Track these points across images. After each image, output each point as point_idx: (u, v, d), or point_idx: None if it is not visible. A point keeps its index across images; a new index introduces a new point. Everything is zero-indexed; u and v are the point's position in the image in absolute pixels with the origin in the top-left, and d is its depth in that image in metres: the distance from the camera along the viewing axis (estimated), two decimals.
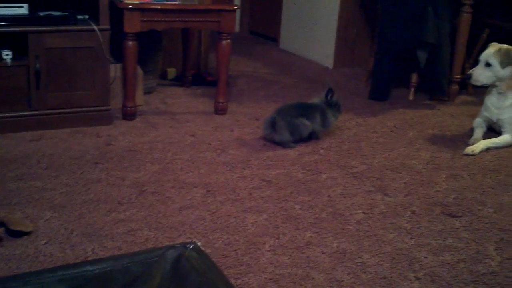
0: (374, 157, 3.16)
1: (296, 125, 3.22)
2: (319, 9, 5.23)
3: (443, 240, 2.35)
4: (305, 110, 3.30)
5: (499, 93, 3.46)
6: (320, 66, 5.18)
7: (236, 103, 3.94)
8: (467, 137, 3.51)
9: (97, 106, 3.36)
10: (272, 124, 3.19)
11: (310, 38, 5.39)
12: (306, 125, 3.25)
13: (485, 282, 2.08)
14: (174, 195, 2.59)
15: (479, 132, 3.50)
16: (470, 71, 3.52)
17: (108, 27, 3.27)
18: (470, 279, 2.10)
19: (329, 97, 3.34)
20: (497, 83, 3.43)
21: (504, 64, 3.36)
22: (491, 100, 3.51)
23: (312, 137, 3.34)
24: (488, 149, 3.33)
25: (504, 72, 3.38)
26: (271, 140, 3.25)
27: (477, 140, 3.38)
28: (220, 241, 2.25)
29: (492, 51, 3.41)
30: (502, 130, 3.46)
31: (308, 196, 2.67)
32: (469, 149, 3.27)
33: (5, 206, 2.41)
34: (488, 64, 3.41)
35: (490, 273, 2.14)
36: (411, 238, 2.35)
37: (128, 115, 3.50)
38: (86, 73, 3.29)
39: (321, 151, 3.21)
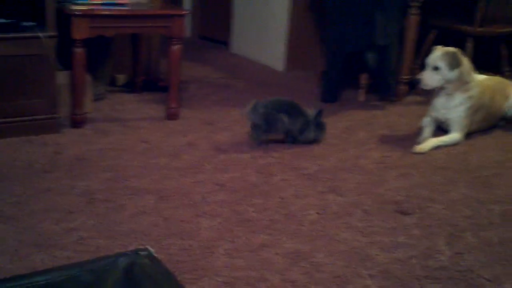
0: (325, 158, 3.19)
1: (274, 118, 3.25)
2: (269, 13, 5.26)
3: (395, 238, 2.38)
4: (291, 109, 3.32)
5: (447, 95, 3.53)
6: (271, 69, 5.21)
7: (188, 108, 3.92)
8: (416, 136, 3.58)
9: (45, 114, 3.29)
10: (254, 108, 3.23)
11: (261, 42, 5.41)
12: (284, 122, 3.27)
13: (437, 277, 2.12)
14: (126, 202, 2.56)
15: (428, 131, 3.57)
16: (419, 76, 3.56)
17: (55, 34, 3.21)
18: (422, 274, 2.13)
19: (317, 116, 3.37)
20: (446, 85, 3.50)
21: (451, 66, 3.42)
22: (439, 101, 3.58)
23: (288, 139, 3.37)
24: (437, 147, 3.40)
25: (452, 74, 3.44)
26: (250, 122, 3.32)
27: (426, 139, 3.45)
28: (175, 247, 2.23)
29: (438, 54, 3.47)
30: (450, 129, 3.53)
31: (261, 198, 2.67)
32: (419, 148, 3.33)
33: None
34: (436, 68, 3.46)
35: (441, 268, 2.18)
36: (363, 237, 2.38)
37: (78, 122, 3.44)
38: (33, 81, 3.22)
39: (274, 153, 3.22)
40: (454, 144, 3.47)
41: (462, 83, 3.48)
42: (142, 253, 1.85)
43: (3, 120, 3.19)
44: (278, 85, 4.69)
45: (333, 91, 4.28)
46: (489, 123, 3.71)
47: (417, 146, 3.36)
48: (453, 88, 3.49)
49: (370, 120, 3.89)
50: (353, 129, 3.69)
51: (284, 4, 5.07)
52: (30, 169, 2.84)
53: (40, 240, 2.22)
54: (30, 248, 2.15)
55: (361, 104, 4.24)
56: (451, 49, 3.48)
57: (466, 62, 3.50)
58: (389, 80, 4.20)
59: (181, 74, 3.82)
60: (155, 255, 1.89)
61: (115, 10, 3.35)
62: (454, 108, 3.52)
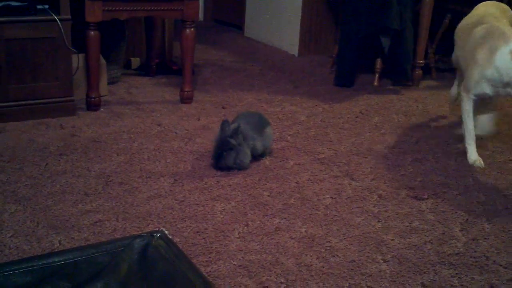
0: (340, 143, 3.18)
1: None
2: None
3: (410, 223, 2.38)
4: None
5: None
6: (285, 53, 5.19)
7: (202, 92, 3.92)
8: (431, 120, 3.56)
9: (60, 97, 3.31)
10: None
11: (274, 26, 5.39)
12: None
13: (451, 263, 2.11)
14: (141, 185, 2.57)
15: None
16: None
17: (69, 17, 3.22)
18: (437, 260, 2.13)
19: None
20: None
21: None
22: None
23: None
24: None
25: None
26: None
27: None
28: (189, 230, 2.24)
29: None
30: None
31: (276, 182, 2.67)
32: (477, 163, 2.97)
33: None
34: None
35: (456, 253, 2.18)
36: (378, 221, 2.38)
37: (93, 105, 3.45)
38: (48, 64, 3.23)
39: (288, 137, 3.22)
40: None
41: None
42: (157, 235, 1.86)
43: (20, 103, 3.21)
44: (292, 69, 4.67)
45: (348, 75, 4.26)
46: None
47: (473, 161, 2.98)
48: None
49: (385, 104, 3.87)
50: (368, 114, 3.67)
51: None
52: (47, 152, 2.86)
53: (57, 222, 2.24)
54: (48, 230, 2.17)
55: (376, 89, 4.21)
56: None
57: None
58: (405, 65, 4.16)
59: (195, 58, 3.82)
60: (170, 237, 1.90)
61: None
62: None
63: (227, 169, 2.78)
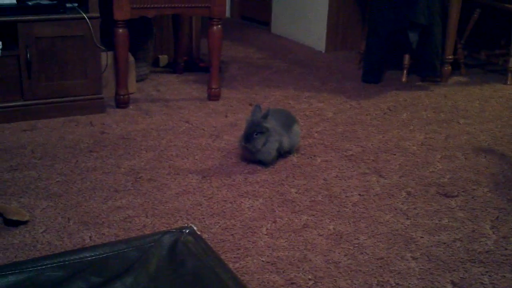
0: (368, 140, 3.17)
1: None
2: None
3: (439, 220, 2.36)
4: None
5: None
6: (312, 50, 5.17)
7: (229, 89, 3.93)
8: (460, 117, 3.52)
9: (89, 95, 3.35)
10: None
11: (301, 22, 5.38)
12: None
13: (481, 261, 2.09)
14: (170, 182, 2.59)
15: None
16: None
17: (97, 15, 3.25)
18: (467, 258, 2.11)
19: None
20: None
21: None
22: None
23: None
24: None
25: None
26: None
27: None
28: (217, 226, 2.25)
29: None
30: None
31: (303, 179, 2.67)
32: None
33: (0, 196, 2.40)
34: None
35: (486, 251, 2.15)
36: (407, 219, 2.36)
37: (121, 102, 3.48)
38: (77, 61, 3.27)
39: (315, 134, 3.21)
40: None
41: None
42: (186, 231, 1.88)
43: (49, 100, 3.26)
44: (319, 65, 4.66)
45: (376, 71, 4.23)
46: None
47: None
48: None
49: (414, 101, 3.84)
50: (396, 110, 3.65)
51: None
52: (77, 149, 2.90)
53: (87, 218, 2.27)
54: (78, 226, 2.21)
55: (404, 85, 4.18)
56: None
57: None
58: (434, 60, 4.12)
59: (222, 55, 3.83)
60: (199, 233, 1.92)
61: None
62: None
63: (252, 156, 2.77)
